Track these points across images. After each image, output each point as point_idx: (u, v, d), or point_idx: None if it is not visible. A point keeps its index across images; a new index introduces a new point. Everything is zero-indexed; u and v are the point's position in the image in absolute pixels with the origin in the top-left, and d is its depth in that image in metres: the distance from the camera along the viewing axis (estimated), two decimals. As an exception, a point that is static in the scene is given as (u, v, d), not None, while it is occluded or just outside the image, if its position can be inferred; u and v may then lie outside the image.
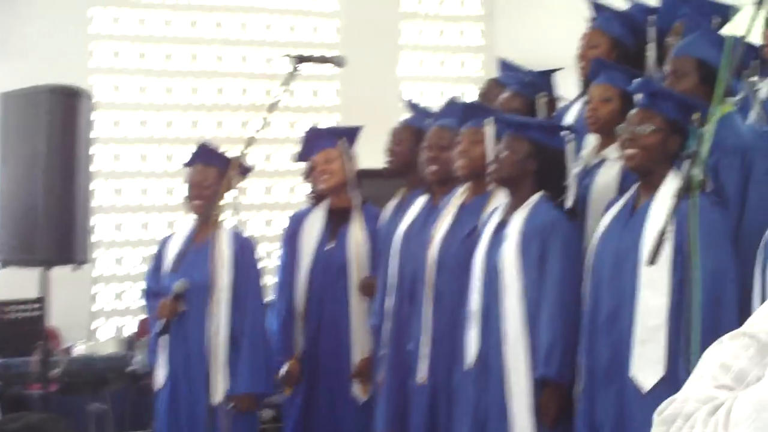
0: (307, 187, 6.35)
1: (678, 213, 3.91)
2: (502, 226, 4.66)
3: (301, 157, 6.18)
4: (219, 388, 5.47)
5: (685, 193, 3.47)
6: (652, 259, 3.44)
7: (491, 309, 4.57)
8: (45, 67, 7.65)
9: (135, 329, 8.15)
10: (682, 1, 5.25)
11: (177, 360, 5.67)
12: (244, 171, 5.77)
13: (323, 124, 6.11)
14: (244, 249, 5.70)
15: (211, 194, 5.62)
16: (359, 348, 5.83)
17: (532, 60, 6.18)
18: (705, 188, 3.48)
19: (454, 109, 5.39)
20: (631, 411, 4.07)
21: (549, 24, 9.42)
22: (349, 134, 6.08)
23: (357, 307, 5.84)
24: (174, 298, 5.58)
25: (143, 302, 5.96)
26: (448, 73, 9.93)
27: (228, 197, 5.51)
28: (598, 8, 5.61)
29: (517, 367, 4.47)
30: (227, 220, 5.82)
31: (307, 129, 6.31)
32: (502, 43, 9.57)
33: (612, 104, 4.77)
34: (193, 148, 5.82)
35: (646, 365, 4.06)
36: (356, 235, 5.89)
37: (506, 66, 6.15)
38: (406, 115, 6.13)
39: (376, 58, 9.02)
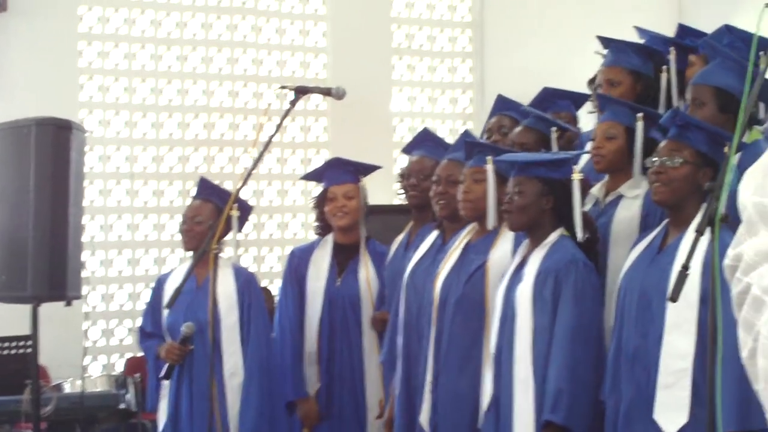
0: (305, 218, 6.20)
1: (707, 250, 3.81)
2: (521, 265, 4.50)
3: (313, 178, 6.09)
4: (231, 429, 5.44)
5: (705, 227, 3.35)
6: (675, 296, 3.27)
7: (505, 351, 4.44)
8: (33, 102, 7.57)
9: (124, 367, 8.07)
10: (728, 31, 5.14)
11: (180, 402, 5.57)
12: (244, 208, 5.66)
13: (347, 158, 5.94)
14: (248, 284, 5.65)
15: (203, 230, 5.53)
16: (374, 384, 5.77)
17: (522, 95, 6.07)
18: (727, 222, 3.34)
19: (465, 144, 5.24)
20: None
21: (539, 58, 9.44)
22: (367, 172, 5.98)
23: (369, 343, 5.79)
24: (182, 342, 5.48)
25: (136, 341, 5.84)
26: (438, 109, 9.91)
27: (229, 234, 5.40)
28: (609, 43, 5.40)
29: (524, 411, 4.33)
30: (227, 257, 5.73)
31: (332, 158, 6.21)
32: (490, 80, 9.58)
33: (617, 141, 4.60)
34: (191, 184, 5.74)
35: (670, 410, 3.91)
36: (366, 271, 5.84)
37: (504, 102, 5.89)
38: (397, 151, 6.04)
39: (366, 93, 8.96)
